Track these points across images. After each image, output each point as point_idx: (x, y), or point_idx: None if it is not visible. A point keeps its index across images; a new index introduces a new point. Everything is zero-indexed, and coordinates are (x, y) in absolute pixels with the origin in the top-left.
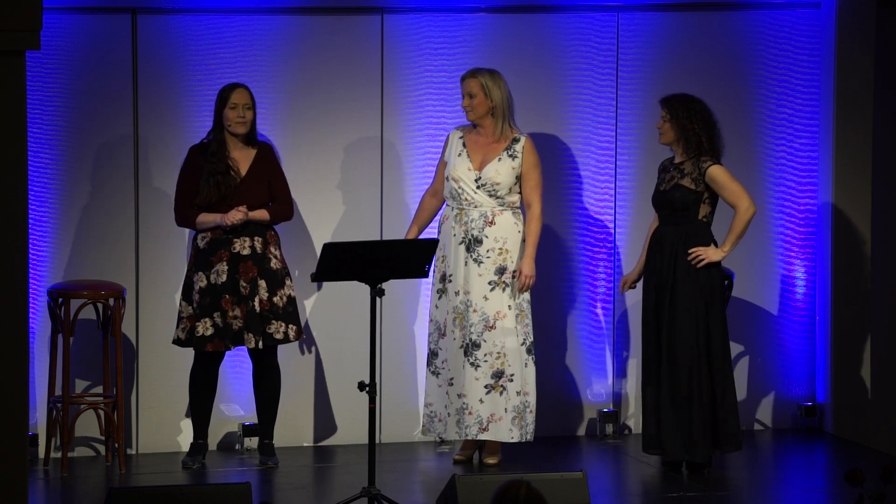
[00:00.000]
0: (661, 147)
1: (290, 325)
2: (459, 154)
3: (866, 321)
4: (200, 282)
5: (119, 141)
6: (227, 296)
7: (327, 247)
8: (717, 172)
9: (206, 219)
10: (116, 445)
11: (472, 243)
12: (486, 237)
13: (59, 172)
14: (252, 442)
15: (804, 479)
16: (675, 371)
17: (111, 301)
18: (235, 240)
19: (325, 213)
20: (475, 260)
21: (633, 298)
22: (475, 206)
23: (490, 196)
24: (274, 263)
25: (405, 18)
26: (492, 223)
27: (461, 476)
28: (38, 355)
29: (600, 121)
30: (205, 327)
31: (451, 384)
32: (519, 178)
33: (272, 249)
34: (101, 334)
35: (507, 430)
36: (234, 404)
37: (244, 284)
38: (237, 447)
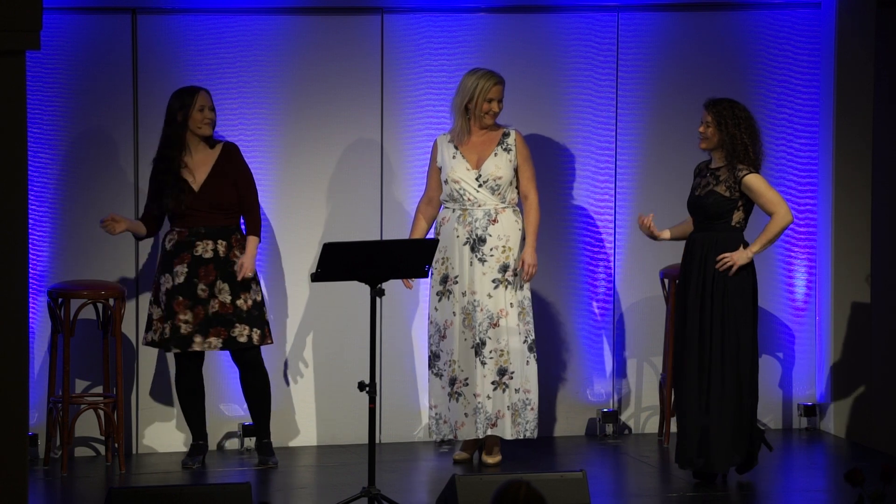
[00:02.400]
0: (661, 148)
1: (255, 329)
2: (454, 157)
3: (866, 321)
4: (166, 283)
5: (119, 140)
6: (181, 297)
7: (327, 247)
8: (753, 181)
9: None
10: (116, 445)
11: (476, 242)
12: (490, 235)
13: (59, 172)
14: (252, 442)
15: (804, 479)
16: (704, 377)
17: (111, 301)
18: (198, 243)
19: (325, 213)
20: (479, 259)
21: (633, 298)
22: (479, 206)
23: (492, 193)
24: (238, 267)
25: (405, 18)
26: (495, 221)
27: (461, 476)
28: (38, 355)
29: (600, 121)
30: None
31: (467, 384)
32: (516, 171)
33: (237, 253)
34: (101, 334)
35: (508, 428)
36: (234, 404)
37: (203, 287)
38: (237, 447)
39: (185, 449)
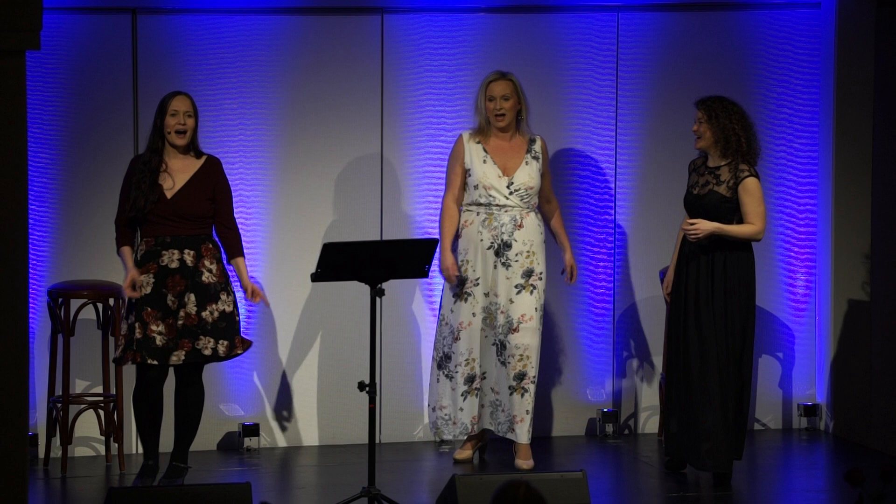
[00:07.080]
0: (661, 148)
1: (221, 341)
2: (484, 161)
3: (866, 321)
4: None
5: (119, 141)
6: (149, 308)
7: (327, 247)
8: (752, 186)
9: (124, 257)
10: (116, 445)
11: (501, 247)
12: (515, 241)
13: (59, 172)
14: (253, 441)
15: (804, 479)
16: (708, 375)
17: (111, 301)
18: (164, 252)
19: (325, 214)
20: (504, 264)
21: (633, 298)
22: (506, 211)
23: (521, 200)
24: (206, 277)
25: (405, 18)
26: (520, 226)
27: (461, 476)
28: (38, 355)
29: (600, 121)
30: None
31: (485, 377)
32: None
33: (206, 263)
34: (101, 334)
35: (526, 433)
36: (234, 404)
37: (172, 299)
38: (237, 447)
39: None
